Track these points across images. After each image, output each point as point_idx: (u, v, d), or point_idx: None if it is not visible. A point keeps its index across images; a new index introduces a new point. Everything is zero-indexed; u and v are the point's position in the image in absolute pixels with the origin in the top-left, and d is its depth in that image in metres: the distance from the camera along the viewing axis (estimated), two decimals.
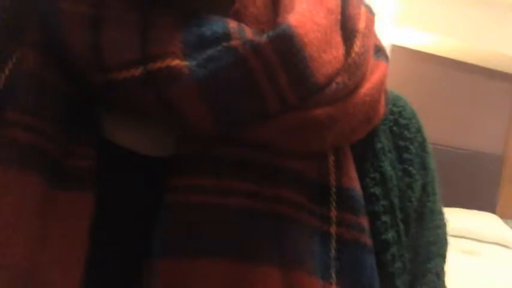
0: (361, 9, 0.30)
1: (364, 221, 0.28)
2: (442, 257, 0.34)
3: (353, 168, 0.29)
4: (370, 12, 0.30)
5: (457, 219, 2.87)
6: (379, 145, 0.32)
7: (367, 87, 0.28)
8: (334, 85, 0.26)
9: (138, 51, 0.23)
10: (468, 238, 2.79)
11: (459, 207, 2.99)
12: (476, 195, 3.12)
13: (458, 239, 2.77)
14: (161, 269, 0.23)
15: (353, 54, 0.27)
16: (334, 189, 0.28)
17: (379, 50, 0.31)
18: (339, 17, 0.28)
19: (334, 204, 0.28)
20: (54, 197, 0.23)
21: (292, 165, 0.27)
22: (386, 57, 0.31)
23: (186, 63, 0.23)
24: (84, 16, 0.24)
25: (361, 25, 0.29)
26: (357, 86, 0.28)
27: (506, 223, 2.98)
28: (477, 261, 2.54)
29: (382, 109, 0.31)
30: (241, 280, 0.24)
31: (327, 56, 0.26)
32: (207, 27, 0.24)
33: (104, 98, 0.26)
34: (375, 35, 0.30)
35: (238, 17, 0.26)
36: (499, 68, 3.05)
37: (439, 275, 0.34)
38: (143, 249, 0.24)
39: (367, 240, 0.28)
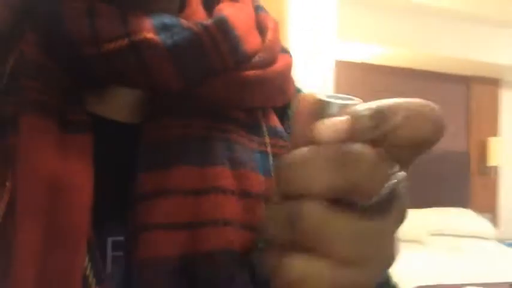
0: (269, 16, 0.42)
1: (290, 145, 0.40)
2: None
3: (276, 119, 0.41)
4: (275, 20, 0.43)
5: (436, 219, 2.95)
6: (291, 113, 0.43)
7: (279, 65, 0.40)
8: (257, 58, 0.38)
9: (123, 29, 0.33)
10: (449, 235, 2.87)
11: (436, 206, 3.07)
12: (451, 193, 3.22)
13: (440, 237, 2.85)
14: (145, 178, 0.33)
15: (267, 41, 0.39)
16: (265, 127, 0.39)
17: (284, 49, 0.43)
18: (254, 20, 0.41)
19: (267, 135, 0.39)
20: (64, 137, 0.32)
21: (234, 113, 0.38)
22: (289, 54, 0.43)
23: (157, 36, 0.33)
24: (82, 10, 0.33)
25: (270, 24, 0.41)
26: (272, 62, 0.39)
27: (482, 215, 3.07)
28: (460, 256, 2.61)
29: (292, 89, 0.43)
30: (204, 176, 0.34)
31: (250, 38, 0.38)
32: (167, 19, 0.35)
33: (89, 76, 0.34)
34: (279, 38, 0.42)
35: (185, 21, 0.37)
36: (449, 71, 3.23)
37: None
38: (128, 175, 0.33)
39: None
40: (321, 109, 0.23)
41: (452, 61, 3.05)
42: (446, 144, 3.20)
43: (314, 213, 0.22)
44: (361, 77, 3.05)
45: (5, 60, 0.34)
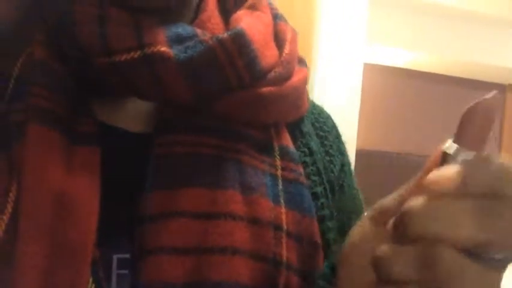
0: (288, 26, 0.40)
1: (301, 168, 0.39)
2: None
3: (288, 138, 0.39)
4: (293, 29, 0.41)
5: None
6: (305, 129, 0.42)
7: (295, 80, 0.38)
8: (273, 73, 0.36)
9: (135, 41, 0.32)
10: None
11: None
12: None
13: None
14: (154, 198, 0.32)
15: (284, 54, 0.38)
16: (277, 147, 0.38)
17: (301, 60, 0.41)
18: (272, 30, 0.39)
19: (278, 156, 0.38)
20: (71, 149, 0.31)
21: (246, 131, 0.36)
22: (306, 65, 0.41)
23: (170, 50, 0.32)
24: (93, 15, 0.32)
25: (288, 36, 0.39)
26: (288, 77, 0.38)
27: None
28: None
29: (306, 103, 0.41)
30: (214, 200, 0.32)
31: (267, 52, 0.36)
32: (182, 29, 0.33)
33: (99, 84, 0.34)
34: (297, 49, 0.40)
35: (200, 28, 0.36)
36: (484, 79, 3.12)
37: None
38: (136, 190, 0.32)
39: (304, 180, 0.38)
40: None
41: (487, 68, 2.94)
42: None
43: (452, 260, 0.22)
44: (390, 81, 2.98)
45: (13, 63, 0.32)
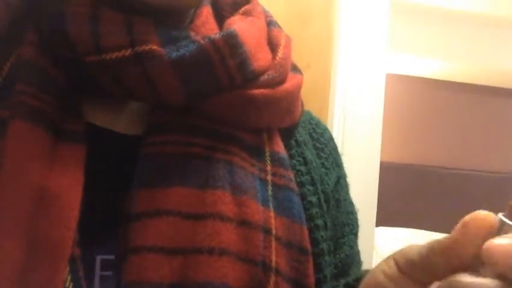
0: (282, 32, 0.40)
1: (291, 174, 0.38)
2: (354, 235, 0.45)
3: (281, 144, 0.39)
4: (288, 36, 0.41)
5: None
6: (301, 139, 0.42)
7: (288, 85, 0.38)
8: (266, 76, 0.36)
9: (127, 39, 0.32)
10: None
11: None
12: None
13: None
14: (141, 196, 0.31)
15: (278, 58, 0.38)
16: (268, 152, 0.37)
17: (295, 67, 0.41)
18: (266, 35, 0.39)
19: (268, 161, 0.37)
20: (56, 146, 0.30)
21: (238, 133, 0.36)
22: (301, 73, 0.41)
23: (162, 48, 0.32)
24: (86, 15, 0.32)
25: (282, 41, 0.39)
26: (282, 81, 0.37)
27: None
28: None
29: (299, 109, 0.41)
30: (203, 200, 0.32)
31: (260, 55, 0.36)
32: (174, 31, 0.33)
33: (90, 85, 0.33)
34: (291, 55, 0.40)
35: (195, 32, 0.36)
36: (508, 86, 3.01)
37: (353, 247, 0.45)
38: (123, 188, 0.32)
39: (294, 187, 0.38)
40: None
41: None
42: (500, 165, 2.97)
43: None
44: (414, 91, 2.91)
45: (2, 63, 0.33)
